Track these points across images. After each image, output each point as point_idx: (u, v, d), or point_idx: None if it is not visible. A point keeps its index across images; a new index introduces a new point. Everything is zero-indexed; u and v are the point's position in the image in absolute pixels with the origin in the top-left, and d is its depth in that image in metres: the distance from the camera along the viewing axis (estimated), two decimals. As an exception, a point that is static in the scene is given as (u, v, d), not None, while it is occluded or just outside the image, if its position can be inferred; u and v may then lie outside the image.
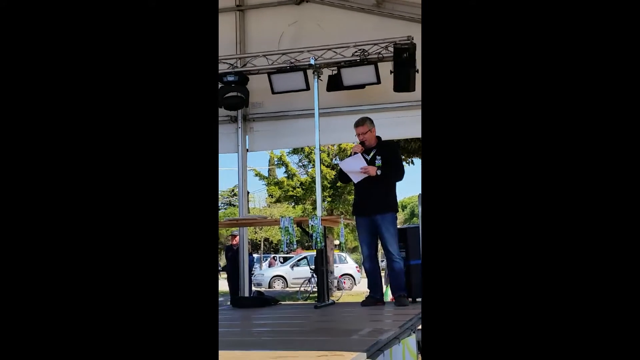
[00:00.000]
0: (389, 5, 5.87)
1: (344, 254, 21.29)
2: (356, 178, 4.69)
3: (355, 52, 5.46)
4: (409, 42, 5.23)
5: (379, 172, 4.55)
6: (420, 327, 4.26)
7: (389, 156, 4.71)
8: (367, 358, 2.27)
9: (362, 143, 4.68)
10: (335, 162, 15.99)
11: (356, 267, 15.66)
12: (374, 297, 4.74)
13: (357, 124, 4.73)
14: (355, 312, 4.73)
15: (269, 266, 21.76)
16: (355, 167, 4.65)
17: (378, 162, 4.59)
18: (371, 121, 4.74)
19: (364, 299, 4.88)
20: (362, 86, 5.58)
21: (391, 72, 5.32)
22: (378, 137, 4.76)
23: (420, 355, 4.36)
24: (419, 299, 4.41)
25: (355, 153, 4.71)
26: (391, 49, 5.30)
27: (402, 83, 5.33)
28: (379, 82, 5.44)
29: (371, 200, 4.62)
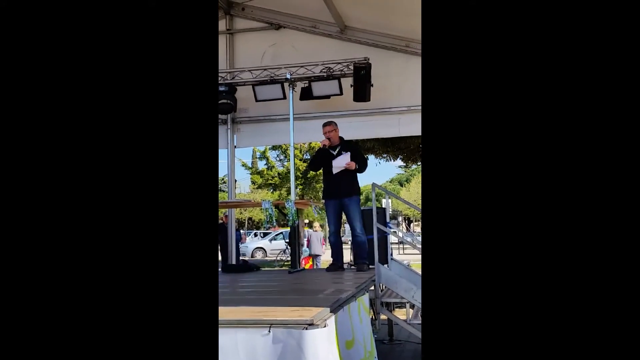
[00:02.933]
0: (349, 32, 5.75)
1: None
2: (336, 170, 4.62)
3: (323, 69, 5.35)
4: (365, 62, 5.16)
5: (356, 167, 4.53)
6: (372, 287, 4.30)
7: (355, 153, 4.65)
8: (330, 312, 2.27)
9: (328, 139, 4.65)
10: (307, 157, 15.87)
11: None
12: (336, 264, 4.72)
13: (325, 125, 4.68)
14: (321, 276, 4.71)
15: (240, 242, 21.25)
16: (342, 163, 4.58)
17: (344, 155, 4.57)
18: (335, 123, 4.70)
19: (329, 265, 4.88)
20: (328, 97, 5.45)
21: (351, 85, 5.23)
22: (341, 137, 4.70)
23: (372, 310, 4.40)
24: (372, 265, 4.42)
25: (324, 146, 4.65)
26: (351, 67, 5.20)
27: (360, 95, 5.25)
28: (341, 93, 5.32)
29: (340, 187, 4.57)
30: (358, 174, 4.74)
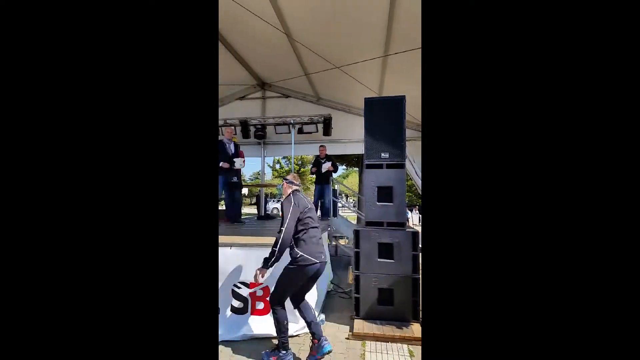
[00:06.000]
0: (322, 100, 9.00)
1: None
2: (324, 169, 7.32)
3: (308, 118, 8.33)
4: (329, 116, 8.43)
5: (333, 169, 7.44)
6: (329, 229, 6.49)
7: (333, 162, 7.44)
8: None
9: (322, 153, 7.55)
10: (298, 163, 23.86)
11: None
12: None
13: (321, 146, 7.62)
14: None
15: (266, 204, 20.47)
16: (326, 166, 7.33)
17: (327, 163, 7.37)
18: (325, 146, 7.68)
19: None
20: (310, 132, 8.55)
21: (322, 126, 8.47)
22: (327, 154, 7.55)
23: (328, 239, 6.11)
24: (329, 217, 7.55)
25: (319, 156, 7.50)
26: (322, 118, 8.33)
27: (326, 132, 8.52)
28: (317, 131, 8.45)
29: (323, 179, 7.59)
30: (333, 173, 7.68)
